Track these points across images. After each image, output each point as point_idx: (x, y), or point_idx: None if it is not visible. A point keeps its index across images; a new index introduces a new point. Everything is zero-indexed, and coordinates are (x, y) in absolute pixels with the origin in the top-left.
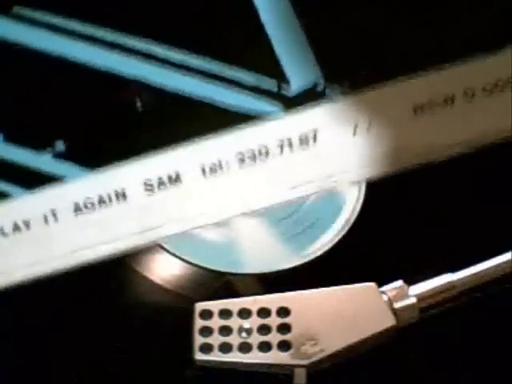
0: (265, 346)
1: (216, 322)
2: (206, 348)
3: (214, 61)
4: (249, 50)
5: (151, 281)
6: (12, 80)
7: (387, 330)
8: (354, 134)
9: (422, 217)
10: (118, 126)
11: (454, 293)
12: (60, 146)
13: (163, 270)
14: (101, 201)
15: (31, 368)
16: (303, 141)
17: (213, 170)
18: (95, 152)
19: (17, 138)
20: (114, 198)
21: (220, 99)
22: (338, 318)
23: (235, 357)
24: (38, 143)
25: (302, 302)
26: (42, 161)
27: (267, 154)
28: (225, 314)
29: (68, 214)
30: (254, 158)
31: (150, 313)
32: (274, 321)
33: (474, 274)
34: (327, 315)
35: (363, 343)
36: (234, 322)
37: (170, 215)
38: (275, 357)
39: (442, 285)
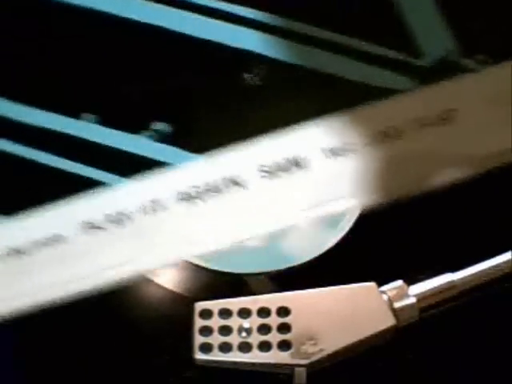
0: (265, 346)
1: (216, 322)
2: (206, 348)
3: (340, 33)
4: (379, 23)
5: (151, 280)
6: (110, 58)
7: (387, 330)
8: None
9: (422, 216)
10: (228, 104)
11: (454, 293)
12: (163, 128)
13: (163, 269)
14: (210, 189)
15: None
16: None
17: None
18: (202, 134)
19: (112, 120)
20: (224, 186)
21: (348, 72)
22: (337, 317)
23: (235, 356)
24: (137, 125)
25: (301, 301)
26: (141, 145)
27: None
28: (225, 313)
29: (172, 204)
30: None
31: (149, 312)
32: (273, 320)
33: (474, 274)
34: (327, 315)
35: (363, 343)
36: (234, 322)
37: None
38: (275, 356)
39: (441, 284)
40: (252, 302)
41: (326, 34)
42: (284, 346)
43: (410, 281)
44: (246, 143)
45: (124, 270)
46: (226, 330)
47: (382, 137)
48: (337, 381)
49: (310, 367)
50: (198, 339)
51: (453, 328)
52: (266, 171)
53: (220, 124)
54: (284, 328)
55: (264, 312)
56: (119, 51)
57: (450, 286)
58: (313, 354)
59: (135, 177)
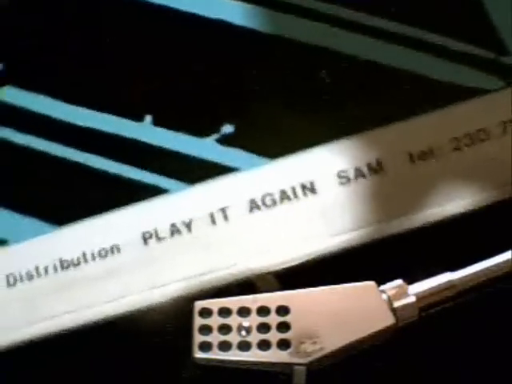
0: (264, 345)
1: (215, 321)
2: (206, 346)
3: (423, 30)
4: (464, 20)
5: None
6: (172, 56)
7: (387, 329)
8: None
9: None
10: (299, 104)
11: (454, 292)
12: (227, 129)
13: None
14: (281, 196)
15: None
16: None
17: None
18: (272, 137)
19: (175, 123)
20: (296, 193)
21: (433, 71)
22: (337, 316)
23: (234, 355)
24: (202, 128)
25: (301, 300)
26: (207, 148)
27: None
28: (224, 312)
29: (242, 212)
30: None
31: (149, 312)
32: (273, 319)
33: (474, 274)
34: (327, 314)
35: (363, 342)
36: (234, 321)
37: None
38: (275, 355)
39: (441, 284)
40: (251, 300)
41: (410, 31)
42: (283, 344)
43: (410, 280)
44: (320, 146)
45: (188, 285)
46: (225, 329)
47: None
48: (336, 380)
49: (310, 366)
50: (198, 338)
51: (452, 327)
52: (343, 177)
53: (292, 126)
54: (283, 327)
55: (263, 311)
56: (181, 49)
57: (450, 285)
58: (312, 352)
59: (200, 183)
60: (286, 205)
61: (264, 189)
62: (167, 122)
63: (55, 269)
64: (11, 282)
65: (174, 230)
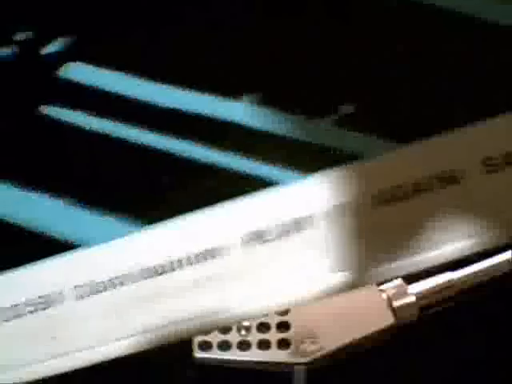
0: (264, 344)
1: None
2: (206, 346)
3: None
4: None
5: None
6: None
7: (386, 329)
8: None
9: None
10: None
11: (454, 291)
12: (346, 110)
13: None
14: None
15: None
16: None
17: None
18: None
19: (276, 101)
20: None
21: None
22: (337, 316)
23: (234, 355)
24: (317, 109)
25: None
26: (324, 133)
27: None
28: None
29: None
30: None
31: None
32: (273, 319)
33: (474, 273)
34: (326, 313)
35: (362, 341)
36: None
37: None
38: (274, 355)
39: (441, 283)
40: None
41: None
42: (283, 344)
43: (410, 279)
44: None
45: (303, 293)
46: (225, 329)
47: None
48: (336, 379)
49: (310, 365)
50: (198, 337)
51: (452, 327)
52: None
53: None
54: (283, 326)
55: None
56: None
57: (450, 284)
58: (312, 352)
59: (318, 173)
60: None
61: (398, 178)
62: (273, 103)
63: (136, 278)
64: (81, 294)
65: (284, 230)
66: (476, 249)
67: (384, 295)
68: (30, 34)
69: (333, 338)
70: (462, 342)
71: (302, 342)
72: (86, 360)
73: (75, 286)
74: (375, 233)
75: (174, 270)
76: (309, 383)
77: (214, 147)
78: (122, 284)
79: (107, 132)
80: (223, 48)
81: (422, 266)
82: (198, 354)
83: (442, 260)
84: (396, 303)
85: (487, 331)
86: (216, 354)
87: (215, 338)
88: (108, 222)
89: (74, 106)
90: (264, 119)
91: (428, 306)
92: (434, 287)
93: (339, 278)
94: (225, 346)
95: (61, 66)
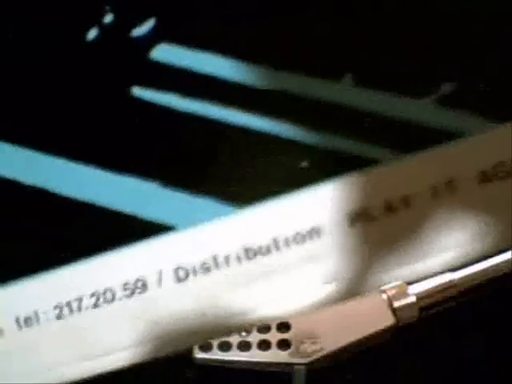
0: (264, 345)
1: None
2: (206, 347)
3: None
4: None
5: None
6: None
7: (387, 329)
8: None
9: None
10: None
11: (454, 292)
12: (451, 89)
13: None
14: None
15: None
16: None
17: None
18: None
19: (374, 80)
20: None
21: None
22: (337, 316)
23: (235, 355)
24: (417, 88)
25: None
26: (424, 111)
27: None
28: None
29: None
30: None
31: None
32: (273, 319)
33: (474, 274)
34: (326, 314)
35: (363, 342)
36: None
37: None
38: (274, 355)
39: (441, 284)
40: None
41: None
42: (283, 344)
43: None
44: None
45: (303, 302)
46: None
47: None
48: (336, 379)
49: (310, 366)
50: None
51: (452, 327)
52: None
53: None
54: (283, 327)
55: None
56: None
57: (450, 285)
58: (312, 353)
59: (418, 152)
60: None
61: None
62: (372, 82)
63: (238, 258)
64: (181, 276)
65: (387, 208)
66: (474, 256)
67: (384, 296)
68: (120, 15)
69: (333, 339)
70: (462, 342)
71: (303, 343)
72: None
73: (174, 269)
74: (378, 242)
75: (276, 250)
76: (309, 383)
77: (313, 128)
78: (218, 266)
79: (199, 113)
80: (319, 28)
81: (424, 274)
82: (198, 355)
83: (443, 267)
84: (396, 304)
85: (487, 331)
86: (216, 355)
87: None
88: (203, 203)
89: (165, 87)
90: (363, 99)
91: (428, 306)
92: (434, 287)
93: (338, 286)
94: (225, 346)
95: (152, 47)
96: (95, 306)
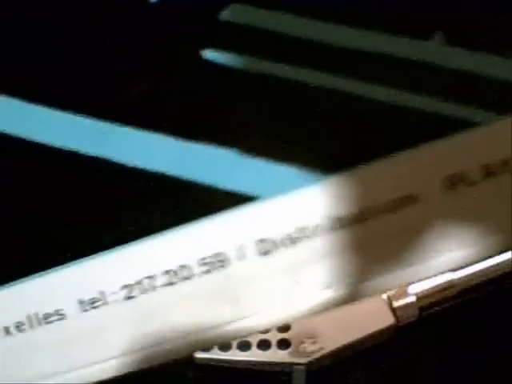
0: (264, 345)
1: None
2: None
3: None
4: None
5: None
6: None
7: (386, 329)
8: None
9: None
10: None
11: (454, 292)
12: None
13: None
14: None
15: None
16: None
17: None
18: None
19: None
20: None
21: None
22: (337, 316)
23: (234, 355)
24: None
25: None
26: None
27: None
28: None
29: None
30: None
31: None
32: None
33: (474, 273)
34: (326, 313)
35: (362, 342)
36: None
37: None
38: (274, 355)
39: (441, 284)
40: None
41: None
42: (283, 344)
43: None
44: None
45: (302, 307)
46: None
47: None
48: (336, 379)
49: (310, 366)
50: None
51: (452, 327)
52: None
53: None
54: (283, 326)
55: None
56: None
57: (450, 284)
58: (312, 352)
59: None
60: None
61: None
62: (463, 40)
63: (327, 229)
64: (265, 249)
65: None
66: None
67: (384, 295)
68: None
69: (333, 339)
70: (462, 342)
71: (302, 343)
72: None
73: (257, 241)
74: (372, 244)
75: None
76: (308, 383)
77: (410, 91)
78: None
79: (277, 75)
80: None
81: (421, 277)
82: (198, 354)
83: (441, 269)
84: (396, 303)
85: (487, 331)
86: (216, 354)
87: None
88: (286, 172)
89: (238, 48)
90: (454, 58)
91: (428, 306)
92: (434, 287)
93: (335, 291)
94: (225, 346)
95: (224, 8)
96: (170, 284)
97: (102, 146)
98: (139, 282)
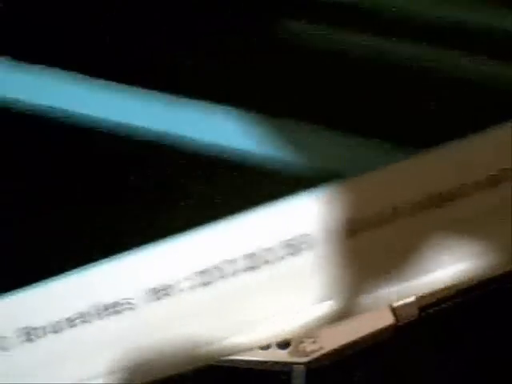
0: (264, 344)
1: None
2: None
3: None
4: None
5: None
6: None
7: (386, 329)
8: None
9: None
10: None
11: (454, 292)
12: None
13: None
14: None
15: None
16: None
17: None
18: None
19: None
20: None
21: None
22: None
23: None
24: None
25: None
26: None
27: None
28: None
29: None
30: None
31: None
32: None
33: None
34: None
35: (362, 341)
36: None
37: None
38: (274, 354)
39: None
40: None
41: None
42: (283, 344)
43: None
44: None
45: (296, 322)
46: None
47: None
48: (335, 379)
49: (309, 365)
50: None
51: (452, 327)
52: None
53: None
54: None
55: None
56: None
57: (450, 285)
58: (312, 352)
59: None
60: None
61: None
62: None
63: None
64: (351, 229)
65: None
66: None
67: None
68: None
69: (332, 338)
70: (461, 342)
71: (302, 342)
72: None
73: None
74: (366, 259)
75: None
76: (308, 383)
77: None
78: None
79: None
80: None
81: (416, 292)
82: None
83: (434, 286)
84: (396, 303)
85: (487, 331)
86: None
87: None
88: (367, 147)
89: (322, 21)
90: None
91: (428, 305)
92: None
93: (328, 306)
94: None
95: None
96: (251, 268)
97: (182, 126)
98: (218, 269)
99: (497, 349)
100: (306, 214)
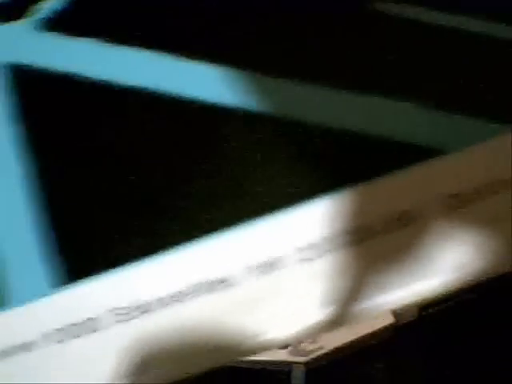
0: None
1: None
2: None
3: None
4: None
5: None
6: None
7: (386, 328)
8: None
9: None
10: None
11: (454, 291)
12: None
13: None
14: None
15: None
16: None
17: None
18: None
19: None
20: None
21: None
22: None
23: None
24: None
25: None
26: None
27: None
28: None
29: None
30: None
31: None
32: None
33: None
34: None
35: (361, 341)
36: None
37: None
38: (274, 354)
39: None
40: None
41: None
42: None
43: None
44: None
45: (299, 327)
46: None
47: None
48: (335, 378)
49: (309, 365)
50: None
51: (451, 326)
52: None
53: None
54: None
55: None
56: None
57: None
58: (311, 351)
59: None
60: None
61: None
62: None
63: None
64: (453, 204)
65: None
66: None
67: None
68: None
69: (332, 338)
70: (461, 342)
71: (302, 342)
72: None
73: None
74: (368, 264)
75: None
76: (308, 382)
77: None
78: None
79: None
80: None
81: (413, 299)
82: None
83: (432, 293)
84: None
85: (487, 331)
86: None
87: None
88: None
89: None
90: None
91: (428, 305)
92: None
93: (329, 312)
94: None
95: None
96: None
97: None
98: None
99: (497, 349)
100: (313, 222)
